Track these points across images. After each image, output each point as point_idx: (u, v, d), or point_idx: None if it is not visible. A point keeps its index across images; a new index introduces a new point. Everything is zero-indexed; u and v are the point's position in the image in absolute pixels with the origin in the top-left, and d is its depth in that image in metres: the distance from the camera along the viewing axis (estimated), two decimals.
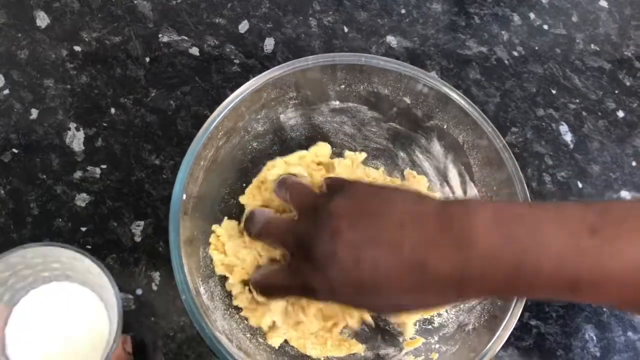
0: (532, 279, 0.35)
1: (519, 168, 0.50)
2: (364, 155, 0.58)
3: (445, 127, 0.54)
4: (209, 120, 0.50)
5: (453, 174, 0.56)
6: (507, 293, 0.42)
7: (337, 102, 0.56)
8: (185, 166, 0.49)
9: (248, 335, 0.51)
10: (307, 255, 0.41)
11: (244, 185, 0.55)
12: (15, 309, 0.51)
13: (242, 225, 0.53)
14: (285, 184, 0.50)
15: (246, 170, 0.56)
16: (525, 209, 0.38)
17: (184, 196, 0.48)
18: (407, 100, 0.54)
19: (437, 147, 0.56)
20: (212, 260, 0.52)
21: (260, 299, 0.49)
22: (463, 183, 0.55)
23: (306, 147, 0.57)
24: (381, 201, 0.41)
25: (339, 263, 0.39)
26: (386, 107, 0.56)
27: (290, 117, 0.56)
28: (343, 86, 0.54)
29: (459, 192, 0.56)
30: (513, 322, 0.46)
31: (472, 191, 0.54)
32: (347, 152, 0.58)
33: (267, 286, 0.48)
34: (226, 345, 0.44)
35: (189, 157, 0.49)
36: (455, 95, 0.52)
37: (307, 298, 0.48)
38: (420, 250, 0.37)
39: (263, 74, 0.52)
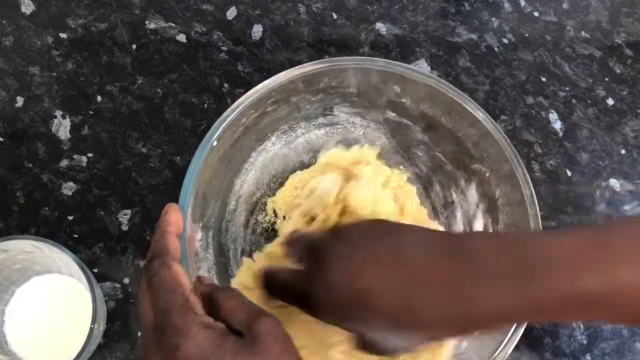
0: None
1: None
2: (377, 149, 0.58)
3: (487, 175, 0.53)
4: (265, 83, 0.50)
5: (479, 224, 0.55)
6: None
7: (394, 114, 0.56)
8: (229, 114, 0.49)
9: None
10: (318, 258, 0.41)
11: None
12: (7, 309, 0.52)
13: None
14: (295, 242, 0.47)
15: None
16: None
17: (215, 142, 0.48)
18: (461, 135, 0.53)
19: (473, 193, 0.55)
20: None
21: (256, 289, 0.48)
22: None
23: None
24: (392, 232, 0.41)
25: (345, 268, 0.39)
26: (440, 135, 0.55)
27: (342, 111, 0.56)
28: (405, 100, 0.54)
29: None
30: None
31: None
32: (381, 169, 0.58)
33: (273, 278, 0.46)
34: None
35: (236, 107, 0.49)
36: (508, 151, 0.51)
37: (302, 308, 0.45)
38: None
39: (325, 59, 0.52)
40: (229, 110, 0.49)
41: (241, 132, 0.52)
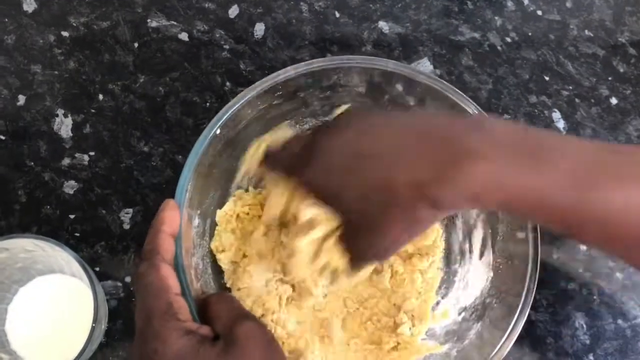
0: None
1: (538, 260, 0.48)
2: None
3: None
4: (272, 75, 0.50)
5: (477, 234, 0.54)
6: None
7: None
8: (235, 104, 0.49)
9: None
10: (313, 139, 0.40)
11: None
12: (9, 307, 0.52)
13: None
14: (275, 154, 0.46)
15: None
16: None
17: (218, 131, 0.48)
18: None
19: None
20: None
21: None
22: (483, 246, 0.54)
23: None
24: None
25: (341, 130, 0.39)
26: None
27: (317, 108, 0.56)
28: (409, 99, 0.54)
29: (475, 253, 0.55)
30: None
31: (488, 257, 0.53)
32: None
33: (274, 153, 0.45)
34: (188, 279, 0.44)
35: (242, 97, 0.49)
36: None
37: (299, 178, 0.43)
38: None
39: (336, 57, 0.51)
40: (234, 100, 0.49)
41: (246, 123, 0.51)
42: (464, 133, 0.36)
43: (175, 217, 0.41)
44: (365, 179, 0.37)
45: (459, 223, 0.56)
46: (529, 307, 0.47)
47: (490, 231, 0.53)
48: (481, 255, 0.54)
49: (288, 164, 0.42)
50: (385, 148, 0.37)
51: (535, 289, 0.47)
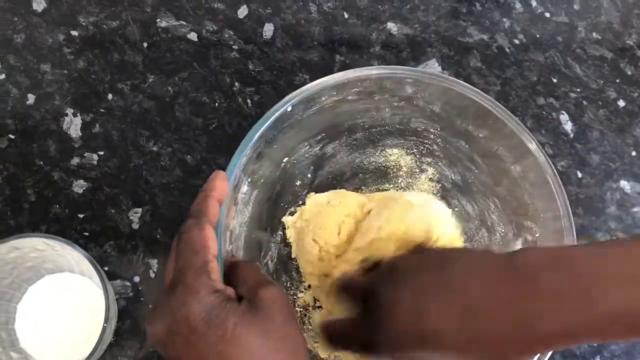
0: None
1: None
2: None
3: (537, 235, 0.53)
4: (354, 70, 0.50)
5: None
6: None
7: (466, 146, 0.55)
8: (310, 88, 0.49)
9: None
10: (375, 303, 0.41)
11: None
12: (18, 306, 0.52)
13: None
14: (345, 287, 0.47)
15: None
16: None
17: (289, 108, 0.48)
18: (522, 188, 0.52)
19: (518, 244, 0.54)
20: None
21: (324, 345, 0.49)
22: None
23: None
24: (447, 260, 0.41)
25: (404, 310, 0.39)
26: (502, 180, 0.54)
27: (387, 115, 0.55)
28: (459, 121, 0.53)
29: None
30: None
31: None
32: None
33: (333, 330, 0.46)
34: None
35: (318, 83, 0.49)
36: (562, 205, 0.49)
37: (366, 353, 0.45)
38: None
39: (427, 71, 0.52)
40: (311, 84, 0.49)
41: (316, 110, 0.51)
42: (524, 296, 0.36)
43: (224, 187, 0.42)
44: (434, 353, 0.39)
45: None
46: None
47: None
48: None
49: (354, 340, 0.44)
50: (448, 316, 0.38)
51: None
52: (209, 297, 0.35)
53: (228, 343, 0.34)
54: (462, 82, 0.51)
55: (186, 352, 0.35)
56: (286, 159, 0.54)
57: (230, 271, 0.40)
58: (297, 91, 0.49)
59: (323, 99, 0.50)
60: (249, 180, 0.50)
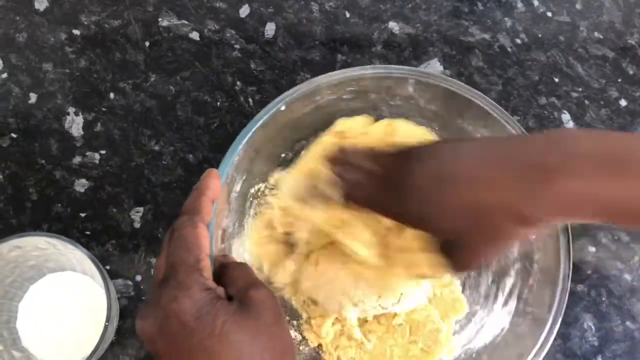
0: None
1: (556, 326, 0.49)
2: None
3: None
4: (349, 69, 0.50)
5: (508, 282, 0.54)
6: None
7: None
8: (304, 86, 0.49)
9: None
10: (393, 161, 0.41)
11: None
12: (20, 305, 0.52)
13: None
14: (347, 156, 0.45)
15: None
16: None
17: (283, 107, 0.48)
18: None
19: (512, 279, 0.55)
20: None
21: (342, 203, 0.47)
22: (509, 295, 0.54)
23: None
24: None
25: (422, 157, 0.40)
26: None
27: (384, 115, 0.55)
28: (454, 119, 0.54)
29: (500, 300, 0.54)
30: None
31: (511, 306, 0.53)
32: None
33: (356, 189, 0.45)
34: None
35: (313, 82, 0.49)
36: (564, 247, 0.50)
37: (387, 205, 0.43)
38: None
39: (427, 71, 0.52)
40: (305, 82, 0.49)
41: (311, 109, 0.51)
42: (547, 150, 0.37)
43: (217, 186, 0.42)
44: (455, 203, 0.39)
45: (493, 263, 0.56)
46: None
47: (520, 282, 0.53)
48: (505, 303, 0.53)
49: (367, 194, 0.43)
50: (471, 172, 0.39)
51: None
52: (201, 294, 0.35)
53: (217, 340, 0.34)
54: (457, 81, 0.51)
55: (175, 347, 0.35)
56: (282, 155, 0.54)
57: (221, 271, 0.40)
58: (291, 90, 0.49)
59: (318, 97, 0.50)
60: (244, 177, 0.50)
